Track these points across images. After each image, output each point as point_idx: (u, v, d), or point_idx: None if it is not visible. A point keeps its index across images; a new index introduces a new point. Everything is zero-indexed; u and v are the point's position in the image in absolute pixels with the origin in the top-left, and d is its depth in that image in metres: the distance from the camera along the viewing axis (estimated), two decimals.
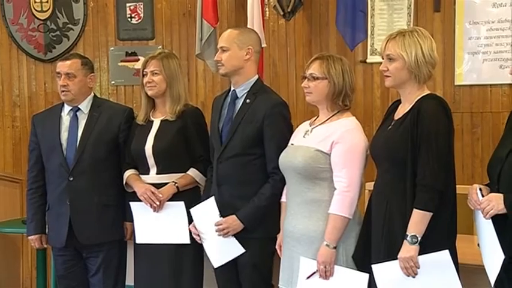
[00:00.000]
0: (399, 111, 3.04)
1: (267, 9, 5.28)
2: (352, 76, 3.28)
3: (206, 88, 5.71)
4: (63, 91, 3.70)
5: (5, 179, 4.73)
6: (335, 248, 3.05)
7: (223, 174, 3.42)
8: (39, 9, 5.82)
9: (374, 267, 2.94)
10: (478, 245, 2.92)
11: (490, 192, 2.75)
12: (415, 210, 2.83)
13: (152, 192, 3.47)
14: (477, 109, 4.96)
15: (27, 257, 5.16)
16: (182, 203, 3.49)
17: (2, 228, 4.40)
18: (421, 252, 2.83)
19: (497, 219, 2.69)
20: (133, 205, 3.58)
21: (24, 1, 5.81)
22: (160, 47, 5.65)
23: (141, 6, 5.77)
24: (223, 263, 3.37)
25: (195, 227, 3.46)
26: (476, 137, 4.87)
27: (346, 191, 3.08)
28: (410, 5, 5.20)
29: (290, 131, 3.43)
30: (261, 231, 3.38)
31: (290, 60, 5.50)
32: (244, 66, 3.48)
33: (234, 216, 3.33)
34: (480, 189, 2.80)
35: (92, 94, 3.84)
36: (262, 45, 4.75)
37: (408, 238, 2.84)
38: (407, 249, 2.84)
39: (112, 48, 5.84)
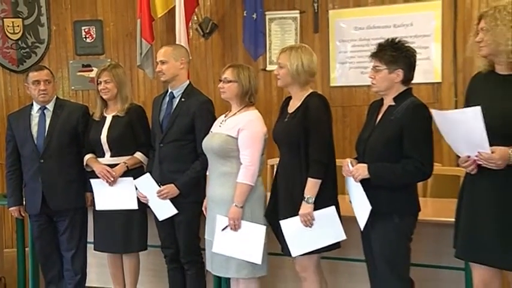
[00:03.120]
0: (291, 106, 3.13)
1: (190, 30, 5.42)
2: (256, 80, 3.40)
3: (145, 91, 5.78)
4: (43, 94, 3.76)
5: None
6: (242, 207, 3.16)
7: (164, 155, 3.50)
8: (12, 31, 5.80)
9: (282, 222, 3.05)
10: (350, 202, 3.04)
11: (358, 163, 2.87)
12: (309, 179, 2.95)
13: (107, 171, 3.56)
14: (346, 104, 5.16)
15: (8, 223, 5.09)
16: (131, 178, 3.57)
17: None
18: (314, 209, 2.97)
19: (364, 182, 2.81)
20: (93, 181, 3.66)
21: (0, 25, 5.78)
22: (109, 60, 5.70)
23: (94, 29, 5.82)
24: (164, 218, 3.50)
25: (141, 193, 3.57)
26: (346, 124, 5.10)
27: (249, 165, 3.17)
28: (296, 28, 5.37)
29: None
30: (192, 196, 3.48)
31: (209, 69, 5.66)
32: (179, 74, 3.57)
33: (172, 184, 3.44)
34: (351, 162, 2.91)
35: (55, 96, 3.90)
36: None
37: (305, 199, 2.95)
38: (305, 208, 2.96)
39: (71, 61, 5.87)
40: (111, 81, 3.61)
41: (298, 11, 5.32)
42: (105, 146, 3.62)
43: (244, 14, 5.16)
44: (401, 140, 2.73)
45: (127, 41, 5.69)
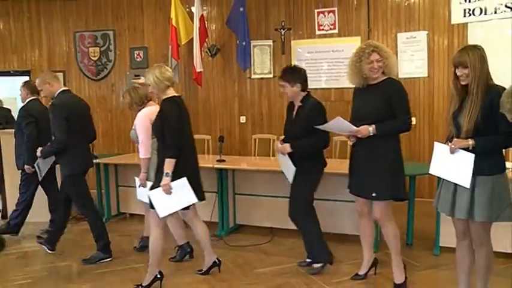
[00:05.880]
0: None
1: (203, 52, 5.85)
2: (140, 89, 3.51)
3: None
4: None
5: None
6: (146, 172, 3.36)
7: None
8: (93, 55, 6.53)
9: (149, 192, 3.13)
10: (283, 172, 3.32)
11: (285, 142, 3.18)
12: (165, 159, 3.02)
13: None
14: None
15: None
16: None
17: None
18: (172, 180, 3.02)
19: (289, 154, 3.19)
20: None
21: (86, 52, 6.53)
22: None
23: (142, 52, 6.38)
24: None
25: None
26: None
27: (140, 145, 3.37)
28: (270, 52, 5.82)
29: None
30: (66, 170, 3.58)
31: (214, 78, 6.07)
32: (52, 90, 3.61)
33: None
34: (280, 141, 3.17)
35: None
36: (201, 70, 5.48)
37: (165, 174, 3.01)
38: (164, 180, 3.01)
39: (128, 73, 6.35)
40: None
41: (271, 40, 5.81)
42: None
43: (237, 42, 5.63)
44: (307, 126, 3.09)
45: (162, 59, 6.00)
